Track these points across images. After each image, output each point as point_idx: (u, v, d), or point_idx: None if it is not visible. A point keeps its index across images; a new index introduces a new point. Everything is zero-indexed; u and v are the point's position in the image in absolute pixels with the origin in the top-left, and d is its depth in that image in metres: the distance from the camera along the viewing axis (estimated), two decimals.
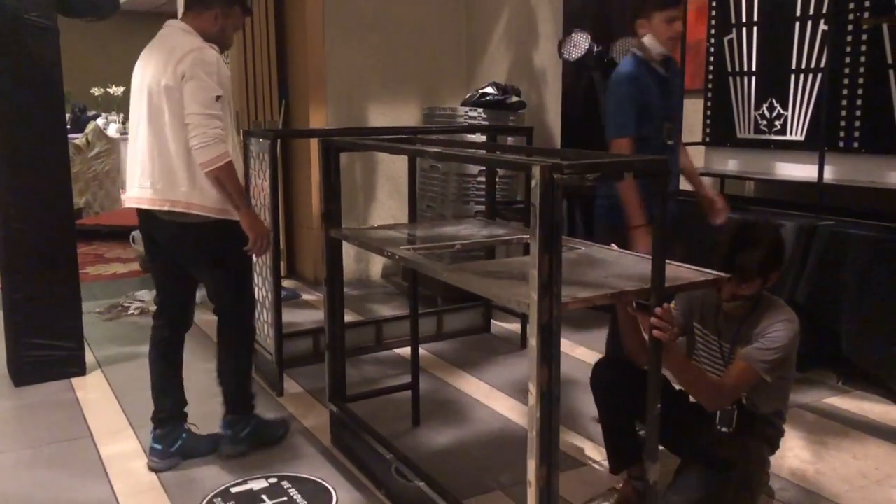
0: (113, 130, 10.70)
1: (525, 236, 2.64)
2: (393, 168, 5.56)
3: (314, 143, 5.37)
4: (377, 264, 5.75)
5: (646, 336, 2.10)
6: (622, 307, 2.14)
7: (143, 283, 5.50)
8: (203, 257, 2.78)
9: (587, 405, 3.12)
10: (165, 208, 2.66)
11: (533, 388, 1.73)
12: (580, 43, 4.79)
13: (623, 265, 2.17)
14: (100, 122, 10.59)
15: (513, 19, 5.60)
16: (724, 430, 2.26)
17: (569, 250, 2.33)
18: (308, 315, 4.68)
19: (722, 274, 2.05)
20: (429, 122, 5.12)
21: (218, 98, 2.58)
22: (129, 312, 4.78)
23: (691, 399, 2.48)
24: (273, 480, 2.72)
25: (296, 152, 5.58)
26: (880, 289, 3.30)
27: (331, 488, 2.66)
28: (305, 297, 5.21)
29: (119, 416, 3.28)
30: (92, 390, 3.57)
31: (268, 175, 3.36)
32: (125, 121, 13.37)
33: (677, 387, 2.48)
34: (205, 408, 3.36)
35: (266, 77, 5.43)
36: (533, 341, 1.70)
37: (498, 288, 1.90)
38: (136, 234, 5.98)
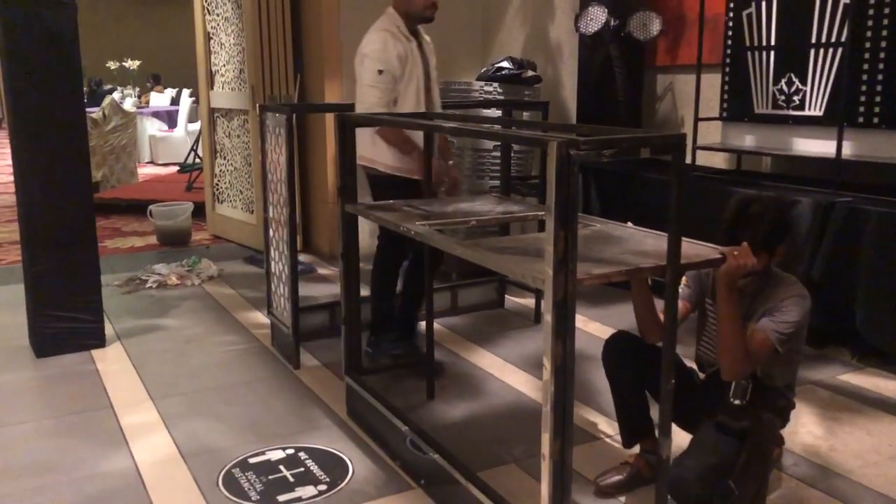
0: (129, 104, 10.75)
1: (540, 213, 2.65)
2: None
3: (330, 118, 5.37)
4: None
5: (660, 314, 2.13)
6: (636, 284, 2.15)
7: (160, 256, 5.56)
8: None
9: (601, 380, 3.13)
10: (361, 164, 3.23)
11: (547, 363, 1.74)
12: (597, 17, 4.76)
13: (638, 242, 2.18)
14: (116, 95, 10.65)
15: None
16: (736, 402, 2.27)
17: (584, 227, 2.33)
18: (324, 289, 4.72)
19: (729, 248, 2.06)
20: (444, 96, 5.07)
21: (380, 72, 3.18)
22: (147, 286, 4.83)
23: (701, 376, 2.50)
24: (290, 451, 2.77)
25: (311, 127, 5.58)
26: (894, 267, 3.29)
27: (347, 459, 2.70)
28: (321, 271, 5.25)
29: (138, 387, 3.33)
30: (111, 362, 3.63)
31: (284, 150, 3.37)
32: (140, 94, 13.42)
33: (688, 363, 2.50)
34: (223, 380, 3.42)
35: (281, 51, 5.42)
36: (548, 317, 1.71)
37: (513, 264, 1.91)
38: (153, 207, 6.04)
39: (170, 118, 12.00)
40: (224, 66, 5.88)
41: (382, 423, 2.75)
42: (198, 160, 8.84)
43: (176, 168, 10.11)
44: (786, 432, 2.63)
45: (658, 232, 2.20)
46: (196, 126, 10.90)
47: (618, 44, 4.84)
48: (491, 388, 3.32)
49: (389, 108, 3.21)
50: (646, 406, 2.42)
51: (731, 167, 4.55)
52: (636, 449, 2.51)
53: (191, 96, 12.19)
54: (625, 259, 2.00)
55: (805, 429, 2.91)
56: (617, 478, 2.45)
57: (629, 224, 2.32)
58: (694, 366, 2.54)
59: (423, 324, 3.33)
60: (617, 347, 2.43)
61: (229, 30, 5.73)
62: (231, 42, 5.72)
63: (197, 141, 9.40)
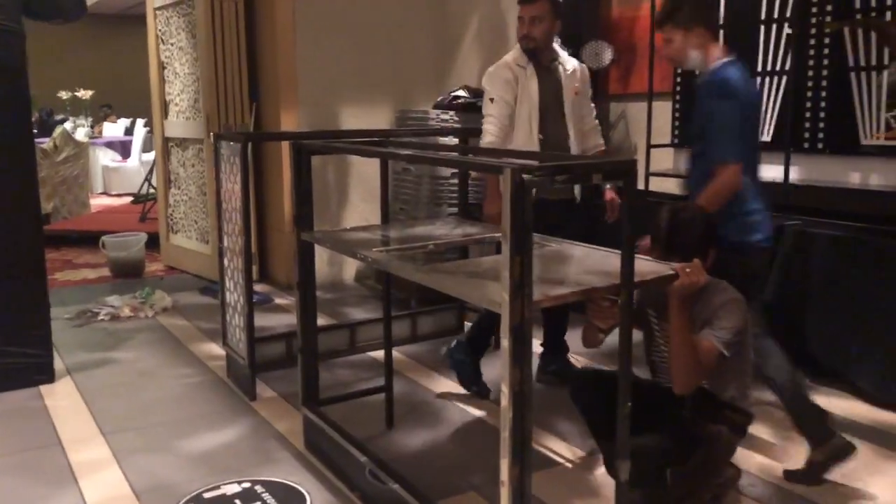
0: (81, 134, 10.57)
1: (497, 235, 2.66)
2: (365, 171, 5.55)
3: (286, 146, 5.35)
4: (350, 267, 5.74)
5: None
6: (591, 302, 2.18)
7: (113, 288, 5.44)
8: None
9: (559, 405, 3.15)
10: None
11: (505, 389, 1.74)
12: None
13: (593, 261, 2.20)
14: (67, 125, 10.47)
15: (483, 23, 5.63)
16: (685, 413, 2.28)
17: (540, 247, 2.35)
18: (281, 319, 4.67)
19: (681, 264, 2.11)
20: (401, 124, 5.13)
21: (492, 100, 3.41)
22: (100, 318, 4.73)
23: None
24: (246, 485, 2.71)
25: (267, 155, 5.56)
26: (845, 288, 3.37)
27: (305, 492, 2.65)
28: (278, 301, 5.19)
29: (89, 423, 3.24)
30: (61, 398, 3.52)
31: (238, 179, 3.35)
32: (94, 124, 13.23)
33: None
34: (177, 413, 3.35)
35: (237, 80, 5.40)
36: (505, 342, 1.71)
37: (470, 288, 1.91)
38: (105, 238, 5.93)
39: (123, 148, 11.84)
40: (178, 95, 5.84)
41: (341, 453, 2.71)
42: (152, 190, 8.72)
43: (130, 199, 9.95)
44: (743, 452, 2.65)
45: (611, 250, 2.22)
46: (150, 156, 10.78)
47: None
48: (451, 416, 3.30)
49: (504, 134, 3.39)
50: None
51: (685, 193, 4.63)
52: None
53: (145, 126, 12.06)
54: (581, 279, 2.01)
55: (760, 449, 2.94)
56: None
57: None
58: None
59: (382, 352, 3.30)
60: (585, 388, 2.42)
61: (183, 59, 5.69)
62: (185, 71, 5.69)
63: (151, 171, 9.29)
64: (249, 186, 3.39)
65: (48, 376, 3.66)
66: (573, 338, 3.39)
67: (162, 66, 5.97)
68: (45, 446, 3.03)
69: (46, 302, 3.64)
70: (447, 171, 4.73)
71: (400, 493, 2.34)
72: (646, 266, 2.08)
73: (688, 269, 2.08)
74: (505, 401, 1.75)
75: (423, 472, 2.74)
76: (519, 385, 1.74)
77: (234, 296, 3.59)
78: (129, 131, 12.67)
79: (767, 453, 2.91)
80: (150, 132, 11.43)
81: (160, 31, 5.93)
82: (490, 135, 3.39)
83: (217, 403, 3.46)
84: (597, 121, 3.77)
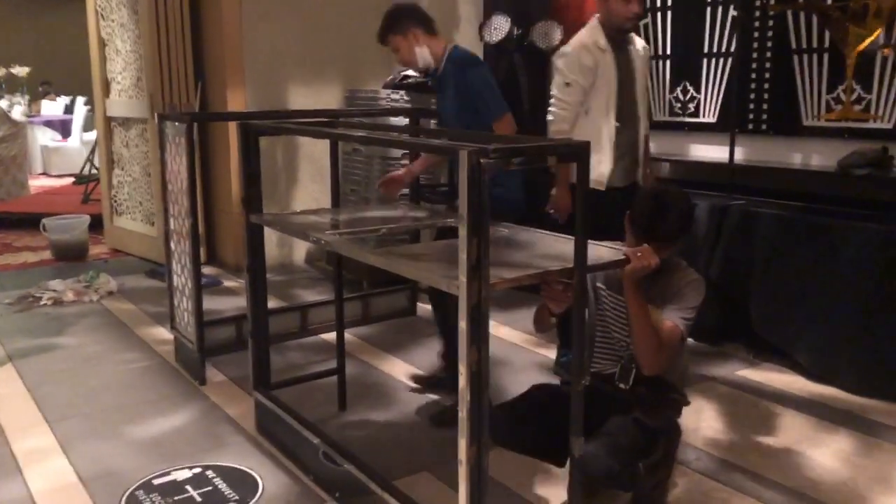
0: (18, 113, 10.21)
1: (449, 220, 2.66)
2: (314, 151, 5.48)
3: (233, 127, 5.25)
4: (301, 249, 5.68)
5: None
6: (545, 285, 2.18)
7: (55, 272, 5.29)
8: None
9: (513, 384, 3.18)
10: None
11: (463, 369, 1.75)
12: (500, 26, 4.85)
13: (546, 245, 2.21)
14: (3, 104, 10.10)
15: (433, 2, 5.58)
16: (622, 385, 2.29)
17: (494, 232, 2.35)
18: (230, 302, 4.60)
19: (632, 248, 2.12)
20: (350, 104, 5.08)
21: (567, 84, 3.18)
22: (42, 303, 4.60)
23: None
24: (197, 470, 2.68)
25: (214, 136, 5.44)
26: (786, 266, 3.46)
27: (257, 476, 2.63)
28: (227, 283, 5.11)
29: (32, 411, 3.15)
30: (2, 385, 3.42)
31: (184, 160, 3.27)
32: (31, 102, 12.79)
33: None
34: (125, 399, 3.28)
35: (181, 58, 5.26)
36: (462, 324, 1.72)
37: (427, 271, 1.91)
38: (46, 221, 5.76)
39: (63, 127, 11.48)
40: (120, 73, 5.67)
41: (293, 437, 2.70)
42: (95, 171, 8.49)
43: (71, 180, 9.67)
44: (688, 428, 2.72)
45: (564, 236, 2.24)
46: (92, 136, 10.47)
47: (521, 53, 4.93)
48: (403, 397, 3.31)
49: (573, 121, 3.22)
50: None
51: None
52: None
53: (86, 104, 11.69)
54: (534, 262, 2.03)
55: (706, 423, 3.02)
56: None
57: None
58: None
59: (334, 335, 3.28)
60: (506, 428, 2.29)
61: (125, 36, 5.52)
62: (127, 49, 5.52)
63: (93, 151, 9.03)
64: (196, 168, 3.32)
65: None
66: None
67: (102, 44, 5.78)
68: None
69: None
70: (398, 152, 4.70)
71: (354, 474, 2.34)
72: (599, 251, 2.11)
73: (639, 253, 2.10)
74: (462, 381, 1.75)
75: (376, 453, 2.74)
76: (476, 365, 1.75)
77: (181, 279, 3.52)
78: (69, 110, 12.28)
79: (711, 427, 2.98)
80: (92, 111, 11.13)
81: (99, 6, 5.73)
82: (563, 121, 3.22)
83: (166, 388, 3.40)
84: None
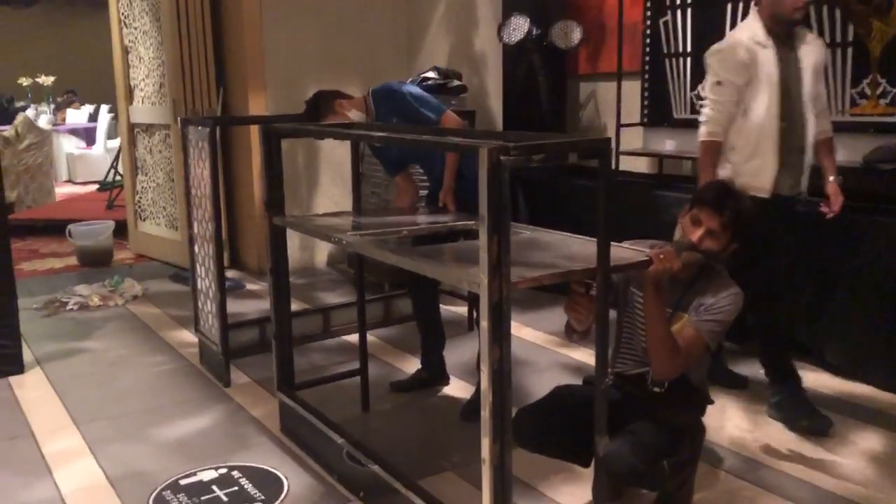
0: (44, 122, 10.35)
1: (470, 222, 2.66)
2: (335, 154, 5.51)
3: (255, 130, 5.29)
4: (322, 252, 5.71)
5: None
6: (569, 300, 2.17)
7: (80, 277, 5.36)
8: None
9: (536, 385, 3.18)
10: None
11: (485, 368, 1.75)
12: (519, 26, 4.83)
13: (568, 247, 2.21)
14: (29, 112, 10.24)
15: (452, 3, 5.60)
16: (656, 389, 2.27)
17: (515, 234, 2.35)
18: (253, 305, 4.63)
19: (655, 251, 2.11)
20: None
21: (719, 83, 2.97)
22: (68, 308, 4.66)
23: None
24: (223, 471, 2.70)
25: (236, 140, 5.49)
26: (812, 263, 3.42)
27: (282, 476, 2.65)
28: (250, 286, 5.15)
29: (61, 413, 3.20)
30: (31, 388, 3.47)
31: (207, 164, 3.30)
32: (56, 111, 12.97)
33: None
34: (151, 402, 3.32)
35: (203, 64, 5.31)
36: (484, 322, 1.72)
37: (448, 270, 1.91)
38: (72, 227, 5.83)
39: (88, 135, 11.63)
40: (143, 80, 5.74)
41: (318, 437, 2.71)
42: (118, 177, 8.58)
43: (95, 186, 9.79)
44: (712, 427, 2.70)
45: (586, 237, 2.23)
46: (116, 143, 10.58)
47: (540, 53, 4.92)
48: (425, 397, 3.31)
49: (729, 123, 2.98)
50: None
51: (653, 171, 4.67)
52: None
53: (109, 112, 11.83)
54: (556, 263, 2.02)
55: (731, 423, 2.99)
56: None
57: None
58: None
59: (356, 336, 3.30)
60: (530, 432, 2.27)
61: (148, 43, 5.59)
62: (150, 55, 5.59)
63: (117, 158, 9.13)
64: (218, 172, 3.35)
65: (17, 367, 3.60)
66: None
67: (126, 51, 5.86)
68: (17, 437, 2.99)
69: (13, 292, 3.58)
70: None
71: (379, 474, 2.34)
72: (621, 252, 2.09)
73: (661, 256, 2.08)
74: (485, 379, 1.76)
75: (400, 453, 2.75)
76: (498, 363, 1.75)
77: (205, 282, 3.55)
78: (93, 118, 12.43)
79: (738, 426, 2.96)
80: (115, 118, 11.25)
81: (122, 14, 5.81)
82: (714, 123, 2.98)
83: (191, 390, 3.43)
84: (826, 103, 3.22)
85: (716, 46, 3.07)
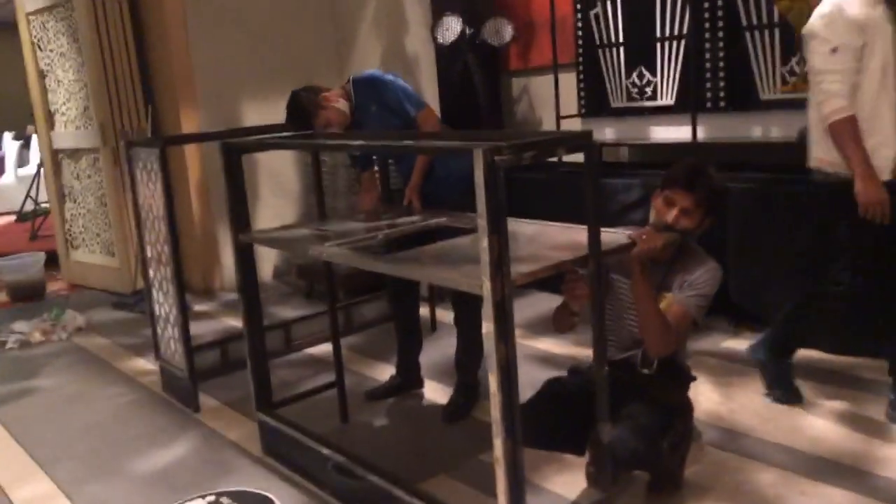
0: None
1: (441, 219, 2.67)
2: (274, 166, 5.43)
3: (189, 149, 5.16)
4: (266, 266, 5.61)
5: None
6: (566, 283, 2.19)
7: (13, 314, 5.11)
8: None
9: (528, 385, 3.20)
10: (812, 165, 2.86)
11: (493, 366, 1.76)
12: (452, 26, 4.86)
13: (552, 236, 2.24)
14: None
15: (380, 6, 5.58)
16: (645, 371, 2.34)
17: None
18: (206, 326, 4.52)
19: (637, 231, 2.16)
20: None
21: (834, 50, 2.59)
22: (8, 347, 4.45)
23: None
24: (211, 498, 2.62)
25: (169, 160, 5.32)
26: (759, 236, 3.57)
27: (272, 497, 2.59)
28: (197, 307, 5.01)
29: (23, 458, 3.05)
30: None
31: (159, 185, 3.21)
32: None
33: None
34: (118, 435, 3.20)
35: (129, 82, 5.14)
36: (488, 322, 1.73)
37: (446, 272, 1.92)
38: None
39: None
40: (64, 104, 5.51)
41: (305, 453, 2.67)
42: (40, 206, 8.25)
43: (11, 218, 9.35)
44: None
45: (569, 225, 2.27)
46: (27, 170, 10.13)
47: (473, 51, 4.96)
48: (404, 403, 3.30)
49: (849, 94, 2.62)
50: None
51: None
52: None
53: (16, 139, 11.31)
54: (545, 254, 2.05)
55: (703, 396, 3.09)
56: None
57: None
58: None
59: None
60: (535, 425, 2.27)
61: (66, 65, 5.37)
62: (70, 78, 5.37)
63: (32, 186, 8.75)
64: (171, 192, 3.25)
65: None
66: None
67: (42, 75, 5.62)
68: None
69: None
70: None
71: (378, 484, 2.33)
72: (605, 236, 2.13)
73: (644, 236, 2.14)
74: (493, 378, 1.77)
75: (389, 460, 2.73)
76: (505, 361, 1.77)
77: (164, 307, 3.45)
78: None
79: (710, 399, 3.06)
80: (25, 146, 10.76)
81: (35, 37, 5.57)
82: (839, 97, 2.61)
83: (159, 419, 3.33)
84: None
85: (818, 11, 2.68)
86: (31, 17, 5.54)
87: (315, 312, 4.18)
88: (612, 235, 2.17)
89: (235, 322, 4.64)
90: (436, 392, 3.35)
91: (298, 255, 2.58)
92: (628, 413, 2.22)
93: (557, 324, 2.32)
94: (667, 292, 2.29)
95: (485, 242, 1.70)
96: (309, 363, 3.88)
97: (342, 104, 3.10)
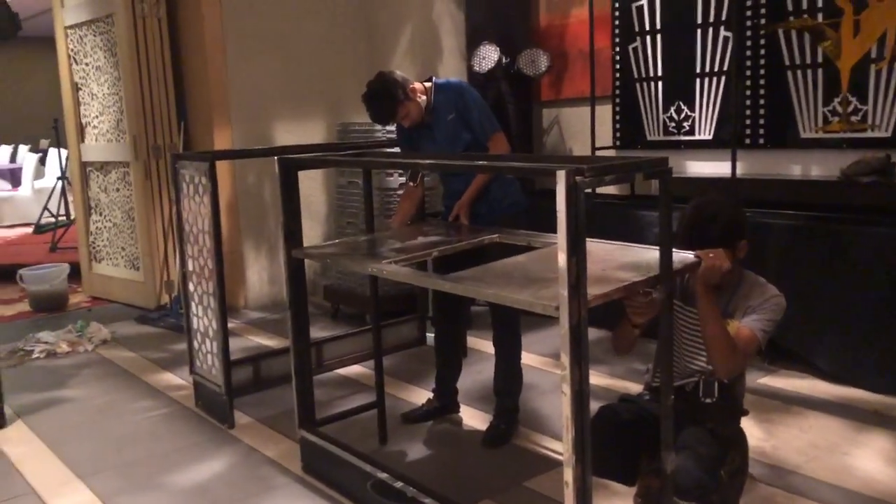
0: None
1: (493, 235, 2.66)
2: (304, 186, 5.42)
3: (220, 167, 5.16)
4: None
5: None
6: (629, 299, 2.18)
7: (35, 324, 5.10)
8: None
9: (544, 407, 3.22)
10: None
11: (567, 389, 1.75)
12: (489, 55, 4.91)
13: (615, 257, 2.23)
14: None
15: (415, 34, 5.63)
16: (707, 401, 2.32)
17: (544, 246, 2.39)
18: (234, 343, 4.48)
19: (703, 251, 2.16)
20: (343, 138, 5.06)
21: None
22: (34, 356, 4.43)
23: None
24: None
25: None
26: (798, 273, 3.57)
27: None
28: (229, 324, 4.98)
29: (59, 467, 3.02)
30: (18, 443, 3.28)
31: (206, 199, 3.22)
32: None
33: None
34: (154, 448, 3.17)
35: (163, 98, 5.18)
36: (565, 347, 1.72)
37: (518, 293, 1.91)
38: (23, 272, 5.56)
39: (13, 176, 11.13)
40: (97, 117, 5.55)
41: (347, 473, 2.65)
42: (60, 218, 8.28)
43: (28, 230, 9.36)
44: None
45: (626, 244, 2.28)
46: (43, 183, 10.17)
47: (508, 81, 5.01)
48: (441, 427, 3.28)
49: None
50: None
51: (625, 193, 4.79)
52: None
53: (31, 151, 11.38)
54: (615, 275, 2.04)
55: (746, 432, 3.05)
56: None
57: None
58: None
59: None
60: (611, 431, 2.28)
61: (102, 79, 5.42)
62: (105, 92, 5.41)
63: (50, 198, 8.78)
64: (219, 206, 3.26)
65: None
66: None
67: (76, 88, 5.66)
68: (17, 497, 2.82)
69: None
70: (395, 183, 4.71)
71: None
72: (675, 257, 2.13)
73: (710, 254, 2.14)
74: (566, 401, 1.76)
75: (434, 483, 2.70)
76: (578, 384, 1.76)
77: (202, 321, 3.44)
78: (13, 157, 11.91)
79: (753, 435, 3.03)
80: (42, 159, 10.82)
81: (72, 50, 5.62)
82: None
83: (193, 434, 3.30)
84: None
85: None
86: (69, 31, 5.60)
87: (346, 333, 4.17)
88: (679, 255, 2.17)
89: (261, 340, 4.64)
90: (474, 417, 3.33)
91: (356, 271, 2.56)
92: (685, 443, 2.20)
93: (618, 341, 2.31)
94: (730, 319, 2.28)
95: (563, 263, 1.70)
96: (340, 384, 3.86)
97: (423, 100, 3.08)
